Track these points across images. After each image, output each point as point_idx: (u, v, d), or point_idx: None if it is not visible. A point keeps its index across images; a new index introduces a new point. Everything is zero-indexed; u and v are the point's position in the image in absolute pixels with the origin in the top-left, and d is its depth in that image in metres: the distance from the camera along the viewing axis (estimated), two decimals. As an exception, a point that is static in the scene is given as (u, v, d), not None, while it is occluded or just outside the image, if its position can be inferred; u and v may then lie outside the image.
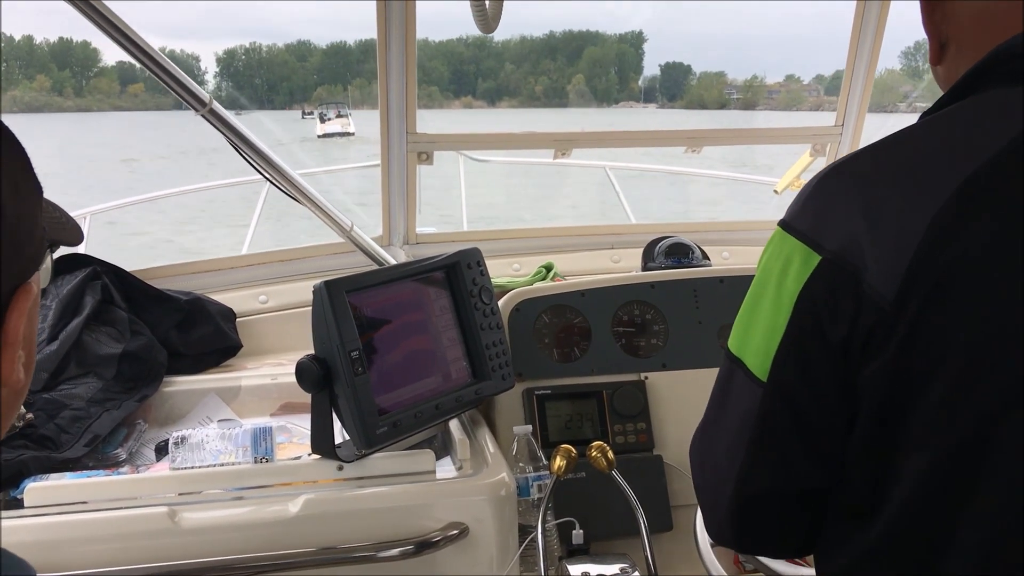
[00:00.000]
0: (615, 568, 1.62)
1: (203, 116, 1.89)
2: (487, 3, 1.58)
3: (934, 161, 0.93)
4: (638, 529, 1.66)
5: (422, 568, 1.51)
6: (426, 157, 2.48)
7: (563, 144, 2.69)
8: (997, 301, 0.88)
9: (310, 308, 1.57)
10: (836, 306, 0.92)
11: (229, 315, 2.29)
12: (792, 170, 3.06)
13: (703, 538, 1.65)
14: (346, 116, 37.79)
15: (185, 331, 2.15)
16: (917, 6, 1.12)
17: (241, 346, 2.27)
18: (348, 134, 34.80)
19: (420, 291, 1.74)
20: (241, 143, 2.00)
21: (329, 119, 36.87)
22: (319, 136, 32.63)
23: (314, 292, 1.54)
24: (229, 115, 1.92)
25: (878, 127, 3.20)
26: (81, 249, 2.23)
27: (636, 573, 1.62)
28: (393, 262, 2.40)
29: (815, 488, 1.05)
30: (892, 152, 0.98)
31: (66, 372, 1.88)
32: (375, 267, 2.33)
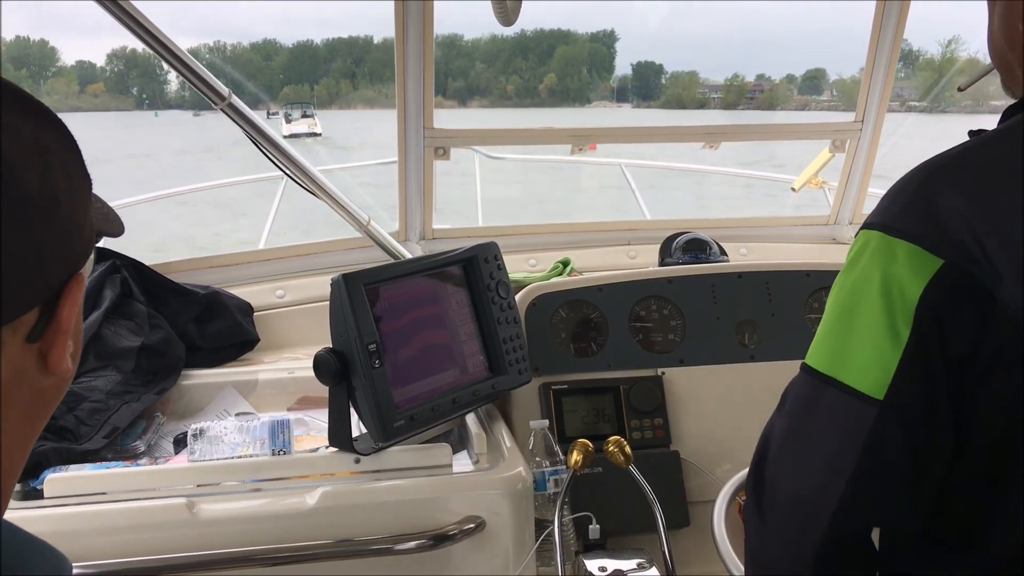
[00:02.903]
0: (632, 563, 1.62)
1: (222, 110, 1.89)
2: (507, -3, 1.59)
3: None
4: (655, 525, 1.65)
5: (438, 561, 1.51)
6: (443, 152, 2.48)
7: (580, 140, 2.69)
8: None
9: (327, 303, 1.57)
10: (960, 316, 0.85)
11: (247, 309, 2.30)
12: (810, 167, 3.04)
13: (720, 534, 1.64)
14: (312, 116, 37.65)
15: (203, 325, 2.16)
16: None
17: (258, 340, 2.27)
18: (315, 134, 34.68)
19: (437, 285, 1.74)
20: (260, 137, 2.00)
21: (294, 119, 36.66)
22: (285, 136, 32.34)
23: (332, 285, 1.55)
24: (248, 109, 1.93)
25: (896, 125, 3.18)
26: (101, 243, 2.24)
27: (653, 568, 1.62)
28: (409, 257, 2.41)
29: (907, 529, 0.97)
30: (1006, 151, 0.91)
31: (86, 365, 1.89)
32: (392, 262, 2.34)
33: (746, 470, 1.63)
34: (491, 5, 1.58)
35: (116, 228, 0.78)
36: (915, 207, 0.89)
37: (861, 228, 0.94)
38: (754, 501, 1.02)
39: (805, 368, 0.98)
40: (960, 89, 1.45)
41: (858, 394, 0.90)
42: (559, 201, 14.76)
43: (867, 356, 0.90)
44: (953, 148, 0.94)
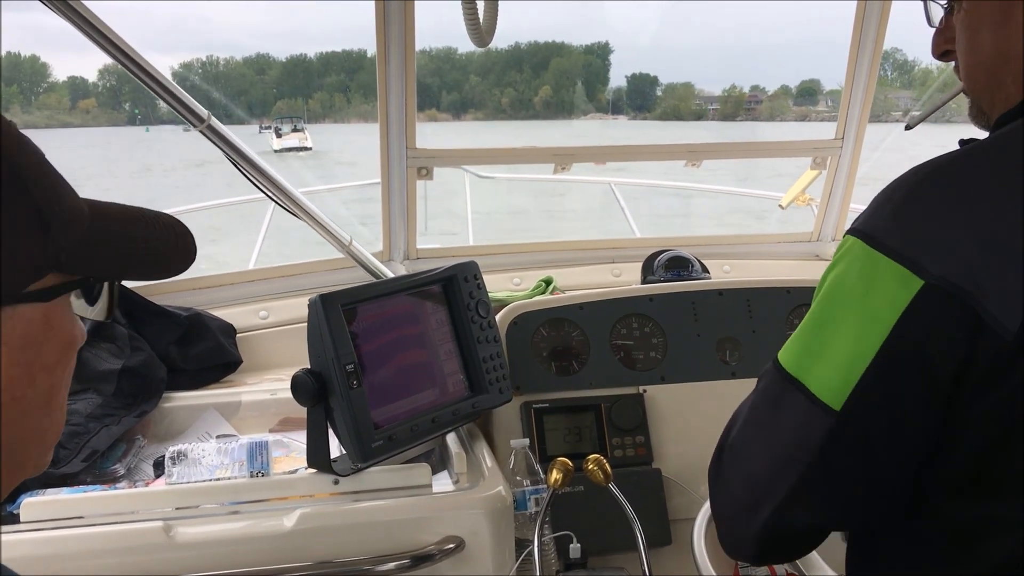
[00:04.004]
0: (612, 582, 1.62)
1: (202, 132, 1.90)
2: (480, 16, 1.59)
3: None
4: (636, 543, 1.65)
5: (418, 582, 1.50)
6: (426, 172, 2.49)
7: (563, 159, 2.70)
8: None
9: (309, 323, 1.56)
10: (947, 336, 0.84)
11: (229, 331, 2.30)
12: (797, 184, 3.06)
13: (700, 553, 1.64)
14: (302, 130, 37.70)
15: (185, 347, 2.16)
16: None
17: (241, 361, 2.27)
18: (305, 148, 34.76)
19: (417, 305, 1.74)
20: (240, 159, 2.01)
21: (285, 133, 36.62)
22: (275, 151, 32.00)
23: (309, 305, 1.55)
24: (227, 131, 1.93)
25: (882, 138, 3.19)
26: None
27: (634, 587, 1.61)
28: (392, 276, 2.41)
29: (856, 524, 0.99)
30: (994, 160, 0.90)
31: (66, 387, 1.88)
32: (371, 281, 2.34)
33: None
34: (464, 22, 1.59)
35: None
36: (900, 219, 0.88)
37: (848, 231, 0.94)
38: (715, 470, 1.06)
39: (775, 363, 0.98)
40: (908, 128, 1.43)
41: (817, 401, 0.91)
42: (550, 218, 14.81)
43: (834, 366, 0.90)
44: (944, 155, 0.94)
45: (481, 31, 1.59)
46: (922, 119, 1.37)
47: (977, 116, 1.07)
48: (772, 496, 0.95)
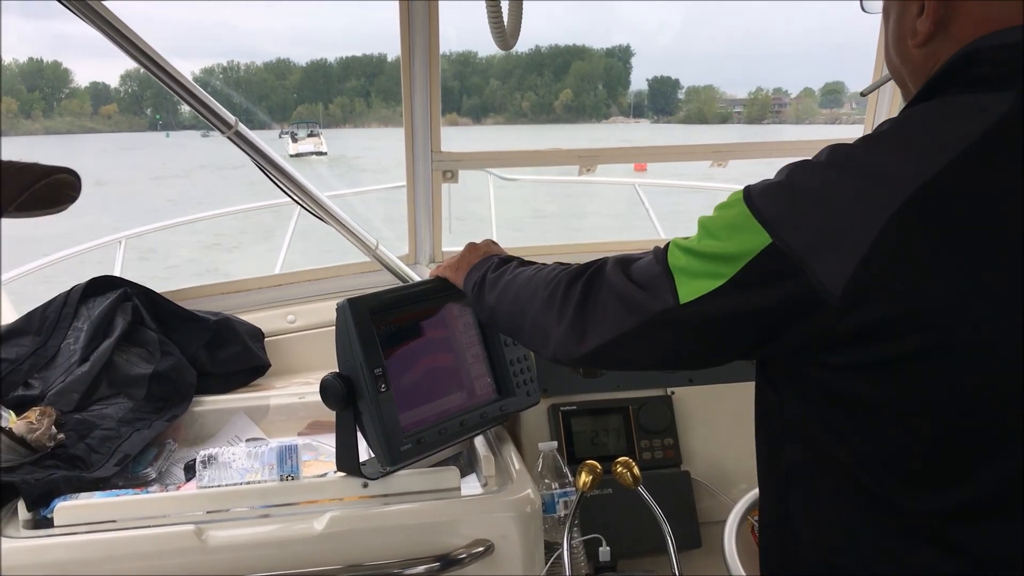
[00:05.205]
0: (643, 585, 1.61)
1: (229, 138, 1.91)
2: (505, 18, 1.59)
3: (894, 165, 0.93)
4: (665, 546, 1.64)
5: (448, 585, 1.50)
6: (451, 175, 2.49)
7: (588, 160, 2.69)
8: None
9: (337, 327, 1.57)
10: (777, 288, 0.95)
11: (257, 335, 2.31)
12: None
13: (732, 555, 1.63)
14: (318, 135, 38.14)
15: (214, 351, 2.17)
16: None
17: (269, 365, 2.28)
18: (321, 153, 35.14)
19: (444, 308, 1.74)
20: (267, 164, 2.02)
21: (301, 138, 37.12)
22: (292, 156, 32.23)
23: (337, 310, 1.55)
24: (255, 136, 1.95)
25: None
26: (115, 271, 2.25)
27: (664, 590, 1.60)
28: (418, 280, 2.41)
29: None
30: (861, 151, 0.98)
31: (97, 393, 1.90)
32: (398, 285, 2.34)
33: (756, 491, 1.62)
34: (488, 26, 1.58)
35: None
36: (772, 188, 0.99)
37: (744, 187, 1.03)
38: (582, 291, 1.20)
39: (667, 249, 1.09)
40: (862, 94, 1.52)
41: (674, 290, 1.04)
42: (576, 220, 14.80)
43: (695, 270, 1.03)
44: (836, 144, 1.02)
45: (505, 34, 1.58)
46: (872, 90, 1.71)
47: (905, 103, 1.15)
48: (603, 333, 1.13)
